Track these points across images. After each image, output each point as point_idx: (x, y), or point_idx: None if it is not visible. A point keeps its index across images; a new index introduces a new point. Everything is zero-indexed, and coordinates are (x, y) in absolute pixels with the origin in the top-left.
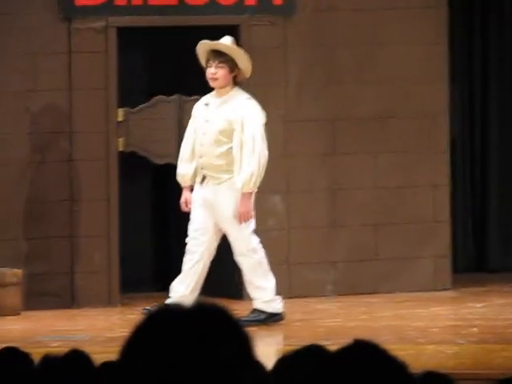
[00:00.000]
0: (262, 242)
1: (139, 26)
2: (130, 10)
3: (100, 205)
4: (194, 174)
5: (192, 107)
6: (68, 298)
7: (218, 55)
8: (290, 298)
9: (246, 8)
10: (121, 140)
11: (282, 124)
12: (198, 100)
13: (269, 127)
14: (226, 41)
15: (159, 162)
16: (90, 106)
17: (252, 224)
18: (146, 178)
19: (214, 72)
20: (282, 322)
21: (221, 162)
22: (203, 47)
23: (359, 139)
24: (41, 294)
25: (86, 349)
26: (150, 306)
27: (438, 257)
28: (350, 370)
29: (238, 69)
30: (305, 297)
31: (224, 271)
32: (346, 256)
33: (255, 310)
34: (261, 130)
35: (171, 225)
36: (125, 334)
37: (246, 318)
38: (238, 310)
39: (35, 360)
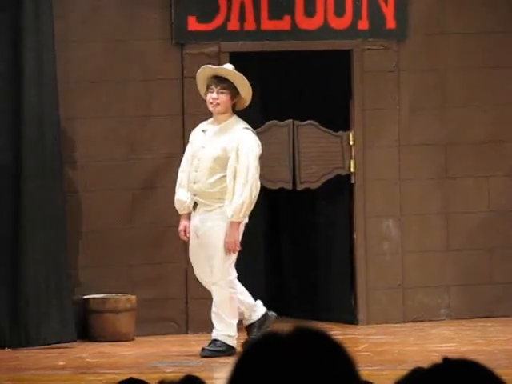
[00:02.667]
0: (376, 266)
1: (252, 51)
2: (242, 35)
3: None
4: (192, 201)
5: (305, 132)
6: (182, 324)
7: (221, 81)
8: (404, 322)
9: (359, 32)
10: None
11: (395, 148)
12: (312, 125)
13: (382, 152)
14: (228, 67)
15: (272, 187)
16: None
17: (233, 256)
18: (257, 202)
19: (216, 97)
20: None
21: (213, 190)
22: (204, 72)
23: (472, 163)
24: (155, 320)
25: (201, 374)
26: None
27: None
28: None
29: (239, 96)
30: (419, 321)
31: (338, 296)
32: (460, 280)
33: (215, 341)
34: (255, 161)
35: (284, 249)
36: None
37: (208, 348)
38: (353, 334)
39: None
